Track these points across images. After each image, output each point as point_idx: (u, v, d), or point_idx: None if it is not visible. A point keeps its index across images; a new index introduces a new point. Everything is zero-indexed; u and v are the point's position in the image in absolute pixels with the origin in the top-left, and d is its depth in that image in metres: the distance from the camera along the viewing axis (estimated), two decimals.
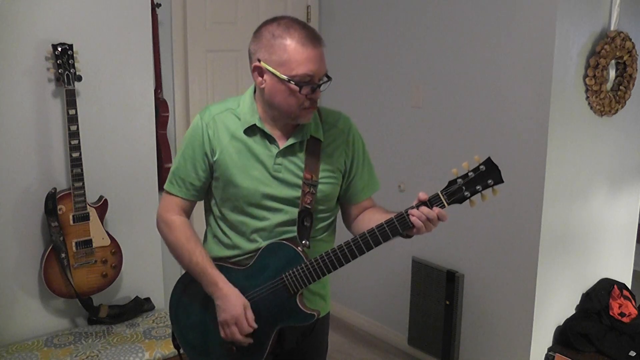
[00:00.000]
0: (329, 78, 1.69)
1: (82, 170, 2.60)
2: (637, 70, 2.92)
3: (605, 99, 2.84)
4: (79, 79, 2.59)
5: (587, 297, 3.04)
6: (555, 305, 2.95)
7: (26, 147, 2.62)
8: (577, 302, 3.06)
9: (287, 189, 1.74)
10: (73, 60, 2.57)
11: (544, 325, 2.93)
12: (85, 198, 2.63)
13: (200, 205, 1.92)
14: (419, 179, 3.27)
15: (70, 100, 2.55)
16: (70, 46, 2.57)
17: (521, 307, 2.88)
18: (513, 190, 2.80)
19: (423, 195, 1.62)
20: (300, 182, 1.74)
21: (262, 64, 1.66)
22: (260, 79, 1.69)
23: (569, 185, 2.87)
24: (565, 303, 3.01)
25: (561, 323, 2.99)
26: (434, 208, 1.60)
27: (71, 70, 2.56)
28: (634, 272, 3.45)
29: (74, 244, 2.64)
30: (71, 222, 2.63)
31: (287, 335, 1.84)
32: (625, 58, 2.86)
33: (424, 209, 1.60)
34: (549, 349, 2.94)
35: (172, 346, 2.59)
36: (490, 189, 1.58)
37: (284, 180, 1.74)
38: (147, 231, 2.91)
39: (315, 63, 1.63)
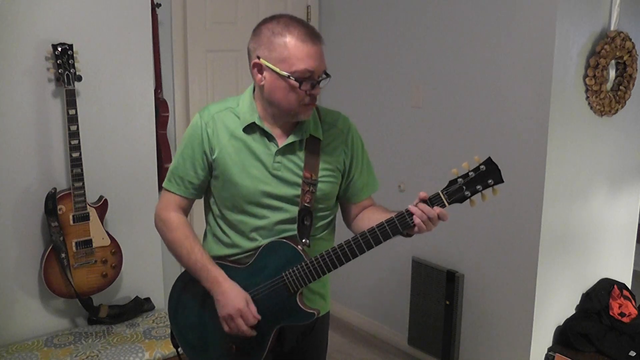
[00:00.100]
0: (328, 75, 1.70)
1: (82, 170, 2.60)
2: (637, 70, 2.92)
3: (605, 99, 2.84)
4: (79, 79, 2.59)
5: (587, 297, 3.04)
6: (555, 305, 2.95)
7: (26, 147, 2.62)
8: (577, 302, 3.06)
9: (287, 187, 1.74)
10: (73, 60, 2.57)
11: (544, 325, 2.93)
12: (85, 198, 2.63)
13: (200, 204, 1.92)
14: (419, 179, 3.27)
15: (70, 100, 2.55)
16: (70, 46, 2.57)
17: (521, 307, 2.88)
18: (513, 190, 2.81)
19: (423, 195, 1.62)
20: (299, 180, 1.74)
21: (262, 61, 1.66)
22: (259, 76, 1.69)
23: (569, 185, 2.87)
24: (565, 303, 3.01)
25: (561, 323, 2.99)
26: (435, 207, 1.60)
27: (71, 70, 2.56)
28: (634, 272, 3.45)
29: (74, 244, 2.64)
30: (71, 222, 2.63)
31: (286, 335, 1.84)
32: (625, 58, 2.86)
33: (424, 207, 1.60)
34: (549, 349, 2.94)
35: (172, 346, 2.60)
36: (491, 188, 1.59)
37: (284, 178, 1.74)
38: (147, 231, 2.91)
39: (315, 59, 1.64)
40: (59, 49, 2.54)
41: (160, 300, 3.02)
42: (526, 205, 2.81)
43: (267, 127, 1.74)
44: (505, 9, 2.80)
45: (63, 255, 2.62)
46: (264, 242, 1.76)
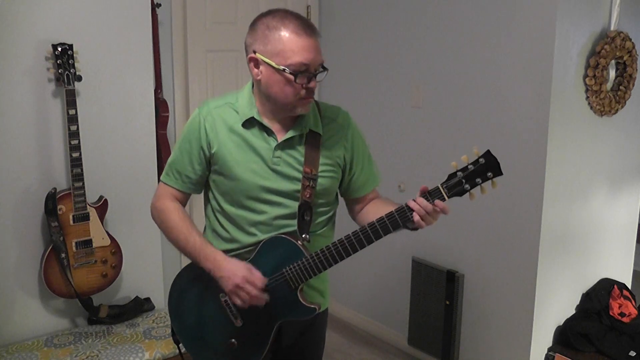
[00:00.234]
0: (325, 68, 1.69)
1: (82, 170, 2.60)
2: (637, 70, 2.92)
3: (605, 99, 2.84)
4: (79, 79, 2.60)
5: (587, 297, 3.04)
6: (555, 305, 2.95)
7: (26, 147, 2.62)
8: (577, 302, 3.06)
9: (286, 182, 1.74)
10: (73, 60, 2.57)
11: (544, 325, 2.93)
12: (85, 198, 2.63)
13: (200, 201, 1.92)
14: (419, 179, 3.26)
15: (70, 100, 2.55)
16: (70, 46, 2.57)
17: (521, 307, 2.88)
18: (513, 190, 2.81)
19: (424, 188, 1.62)
20: (300, 175, 1.74)
21: (258, 55, 1.66)
22: (256, 70, 1.70)
23: (569, 185, 2.87)
24: (565, 303, 3.01)
25: (561, 323, 2.99)
26: (436, 202, 1.60)
27: (71, 70, 2.56)
28: (634, 272, 3.45)
29: (74, 244, 2.64)
30: (71, 222, 2.63)
31: (285, 331, 1.84)
32: (625, 58, 2.86)
33: (422, 202, 1.60)
34: (549, 349, 2.94)
35: (172, 346, 2.60)
36: (490, 181, 1.59)
37: (283, 173, 1.74)
38: (147, 231, 2.92)
39: (311, 52, 1.64)
40: (59, 49, 2.54)
41: (160, 300, 3.02)
42: (526, 205, 2.81)
43: (266, 121, 1.74)
44: (505, 9, 2.80)
45: (63, 255, 2.62)
46: (264, 237, 1.77)
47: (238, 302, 1.73)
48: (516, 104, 2.81)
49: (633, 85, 2.93)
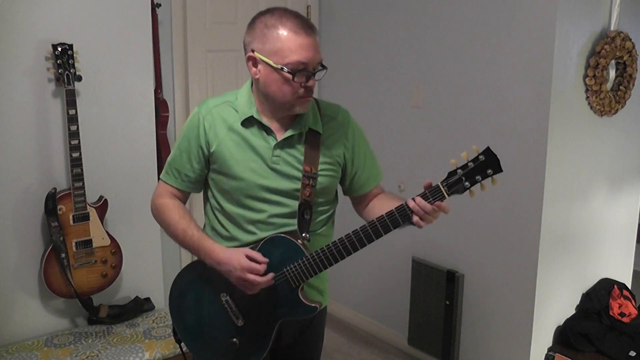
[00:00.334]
0: (324, 67, 1.69)
1: (82, 170, 2.60)
2: (637, 70, 2.92)
3: (605, 99, 2.84)
4: (79, 79, 2.60)
5: (587, 297, 3.04)
6: (555, 305, 2.95)
7: (26, 147, 2.62)
8: (577, 302, 3.06)
9: (286, 181, 1.74)
10: (73, 60, 2.57)
11: (544, 325, 2.93)
12: (85, 198, 2.63)
13: (200, 199, 1.92)
14: (419, 179, 3.23)
15: (70, 100, 2.56)
16: (70, 46, 2.57)
17: (521, 307, 2.88)
18: (513, 190, 2.81)
19: (428, 183, 1.62)
20: (299, 174, 1.74)
21: (256, 54, 1.66)
22: (254, 69, 1.69)
23: (569, 185, 2.86)
24: (565, 303, 3.01)
25: (561, 323, 2.99)
26: (438, 203, 1.59)
27: (71, 70, 2.56)
28: (634, 272, 3.45)
29: (74, 244, 2.64)
30: (71, 222, 2.63)
31: (285, 330, 1.84)
32: (625, 58, 2.86)
33: (421, 202, 1.60)
34: (549, 349, 2.94)
35: (172, 346, 2.60)
36: (490, 178, 1.58)
37: (282, 172, 1.74)
38: (147, 231, 2.92)
39: (309, 51, 1.63)
40: (59, 49, 2.54)
41: (160, 300, 3.02)
42: (526, 205, 2.81)
43: (265, 120, 1.74)
44: (505, 9, 2.80)
45: (63, 255, 2.62)
46: (263, 235, 1.76)
47: (248, 291, 1.73)
48: (516, 104, 2.81)
49: (633, 85, 2.93)
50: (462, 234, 3.10)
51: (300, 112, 1.73)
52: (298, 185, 1.74)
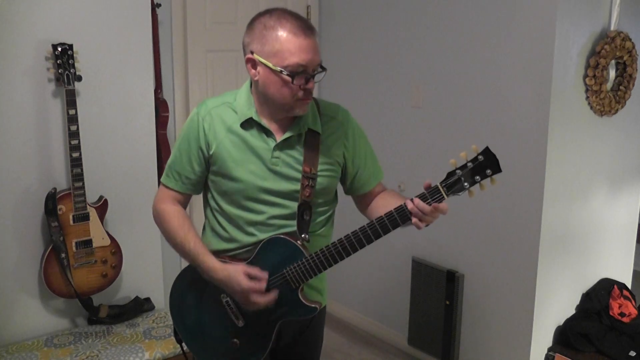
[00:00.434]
0: (324, 69, 1.68)
1: (82, 170, 2.60)
2: (637, 70, 2.92)
3: (605, 99, 2.84)
4: (79, 79, 2.59)
5: (587, 297, 3.04)
6: (555, 305, 2.95)
7: (26, 147, 2.62)
8: (577, 302, 3.06)
9: (285, 183, 1.74)
10: (73, 60, 2.57)
11: (544, 325, 2.93)
12: (85, 198, 2.63)
13: (200, 200, 1.92)
14: (419, 179, 3.23)
15: (70, 101, 2.55)
16: (70, 46, 2.57)
17: (521, 307, 2.88)
18: (513, 190, 2.81)
19: (427, 184, 1.61)
20: (299, 175, 1.74)
21: (255, 56, 1.65)
22: (253, 71, 1.69)
23: (569, 185, 2.86)
24: (565, 303, 3.01)
25: (561, 323, 2.99)
26: (440, 203, 1.59)
27: (71, 70, 2.56)
28: (634, 272, 3.45)
29: (74, 244, 2.64)
30: (71, 222, 2.63)
31: (284, 330, 1.84)
32: (625, 58, 2.86)
33: (419, 203, 1.59)
34: (549, 349, 2.94)
35: (172, 346, 2.61)
36: (489, 178, 1.58)
37: (282, 173, 1.74)
38: (147, 231, 2.91)
39: (308, 53, 1.62)
40: (59, 49, 2.54)
41: (160, 300, 3.02)
42: (526, 205, 2.81)
43: (264, 122, 1.74)
44: (505, 9, 2.80)
45: (63, 255, 2.62)
46: (263, 237, 1.76)
47: (251, 308, 1.74)
48: (516, 104, 2.81)
49: (633, 85, 2.93)
50: (462, 234, 3.10)
51: (299, 115, 1.72)
52: (297, 186, 1.74)
